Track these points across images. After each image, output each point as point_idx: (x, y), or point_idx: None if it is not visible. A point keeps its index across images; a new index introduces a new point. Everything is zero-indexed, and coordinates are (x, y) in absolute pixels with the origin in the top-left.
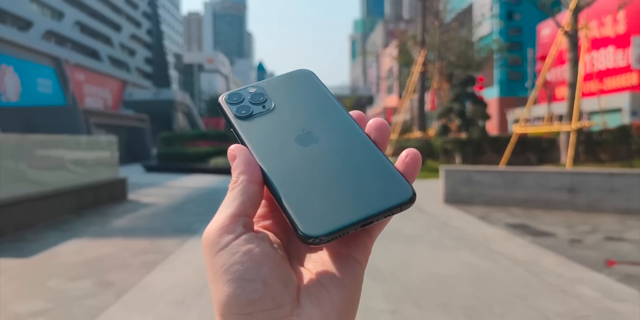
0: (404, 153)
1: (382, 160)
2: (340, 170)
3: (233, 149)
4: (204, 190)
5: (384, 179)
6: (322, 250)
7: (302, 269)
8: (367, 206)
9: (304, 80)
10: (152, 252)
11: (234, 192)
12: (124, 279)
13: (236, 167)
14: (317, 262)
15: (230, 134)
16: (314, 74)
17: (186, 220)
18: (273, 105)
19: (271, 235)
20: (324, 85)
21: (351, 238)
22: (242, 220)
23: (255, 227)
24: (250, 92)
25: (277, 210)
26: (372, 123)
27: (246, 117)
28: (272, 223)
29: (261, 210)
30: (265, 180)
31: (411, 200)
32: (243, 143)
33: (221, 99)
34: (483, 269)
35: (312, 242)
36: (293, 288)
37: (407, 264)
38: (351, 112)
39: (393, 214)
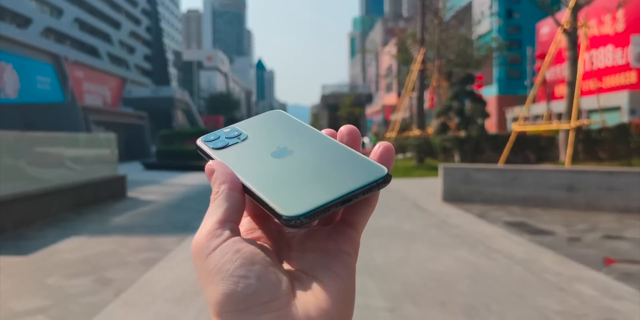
0: (376, 146)
1: (355, 153)
2: (315, 165)
3: (211, 164)
4: (203, 188)
5: (358, 164)
6: (310, 251)
7: (293, 270)
8: (344, 185)
9: (276, 116)
10: (151, 250)
11: (217, 201)
12: (123, 277)
13: (216, 179)
14: (307, 262)
15: None
16: (285, 112)
17: (185, 217)
18: (247, 136)
19: (260, 243)
20: (297, 119)
21: (337, 234)
22: (229, 226)
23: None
24: (225, 131)
25: (264, 222)
26: (342, 129)
27: (223, 147)
28: (260, 234)
29: (249, 225)
30: (245, 189)
31: (386, 179)
32: None
33: (199, 141)
34: (481, 267)
35: (295, 224)
36: (287, 282)
37: (405, 261)
38: (323, 131)
39: (371, 192)
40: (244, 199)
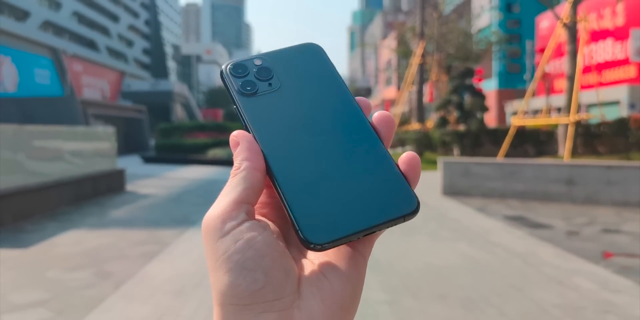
0: (403, 157)
1: (390, 163)
2: (348, 171)
3: (236, 135)
4: (202, 182)
5: (391, 186)
6: None
7: (303, 258)
8: (372, 215)
9: (313, 57)
10: (150, 243)
11: (236, 178)
12: (122, 270)
13: (239, 153)
14: (319, 253)
15: (229, 124)
16: (322, 49)
17: (184, 211)
18: (280, 84)
19: (271, 224)
20: (331, 63)
21: None
22: (245, 208)
23: (256, 215)
24: (256, 65)
25: (275, 197)
26: (377, 116)
27: (251, 94)
28: (270, 211)
29: (262, 197)
30: (268, 170)
31: (415, 211)
32: (246, 124)
33: (225, 69)
34: (480, 260)
35: (314, 248)
36: (294, 279)
37: (405, 255)
38: (357, 98)
39: (396, 224)
40: (265, 180)
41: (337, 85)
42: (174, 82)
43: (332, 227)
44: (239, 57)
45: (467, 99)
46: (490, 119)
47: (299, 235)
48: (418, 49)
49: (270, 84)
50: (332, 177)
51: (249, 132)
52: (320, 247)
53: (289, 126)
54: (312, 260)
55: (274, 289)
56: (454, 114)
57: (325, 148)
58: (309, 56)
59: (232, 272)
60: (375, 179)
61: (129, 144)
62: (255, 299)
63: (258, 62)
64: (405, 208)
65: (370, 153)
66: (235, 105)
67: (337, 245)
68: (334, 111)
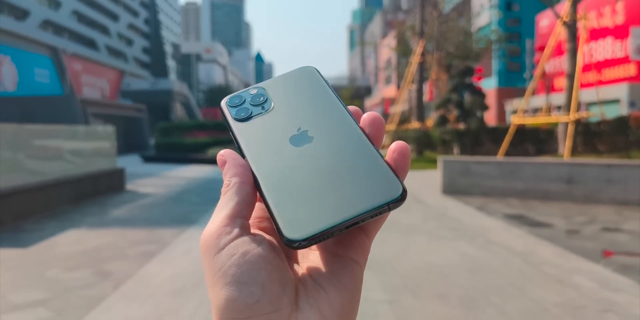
0: (392, 147)
1: (374, 156)
2: (329, 169)
3: (222, 154)
4: (202, 181)
5: (373, 176)
6: (318, 251)
7: (299, 270)
8: (352, 206)
9: (306, 77)
10: (150, 242)
11: (227, 194)
12: (122, 269)
13: (227, 171)
14: (314, 264)
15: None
16: (316, 70)
17: (184, 210)
18: (272, 105)
19: (268, 237)
20: (325, 80)
21: (348, 238)
22: (239, 222)
23: (254, 229)
24: (252, 94)
25: None
26: (366, 117)
27: (244, 119)
28: (269, 225)
29: (259, 212)
30: (256, 183)
31: (400, 198)
32: (238, 145)
33: (223, 103)
34: (480, 259)
35: (296, 247)
36: (291, 291)
37: (404, 254)
38: (349, 107)
39: (381, 214)
40: (256, 193)
41: (328, 98)
42: (173, 81)
43: (312, 222)
44: (236, 91)
45: (467, 97)
46: (490, 118)
47: (281, 237)
48: (418, 47)
49: (263, 107)
50: (314, 178)
51: (242, 153)
52: (302, 244)
53: (277, 140)
54: (309, 271)
55: (271, 301)
56: (453, 113)
57: (310, 153)
58: (302, 78)
59: (229, 287)
60: (358, 172)
61: (128, 143)
62: (252, 312)
63: (253, 91)
64: (388, 196)
65: (356, 150)
66: (231, 132)
67: (319, 241)
68: (323, 120)
